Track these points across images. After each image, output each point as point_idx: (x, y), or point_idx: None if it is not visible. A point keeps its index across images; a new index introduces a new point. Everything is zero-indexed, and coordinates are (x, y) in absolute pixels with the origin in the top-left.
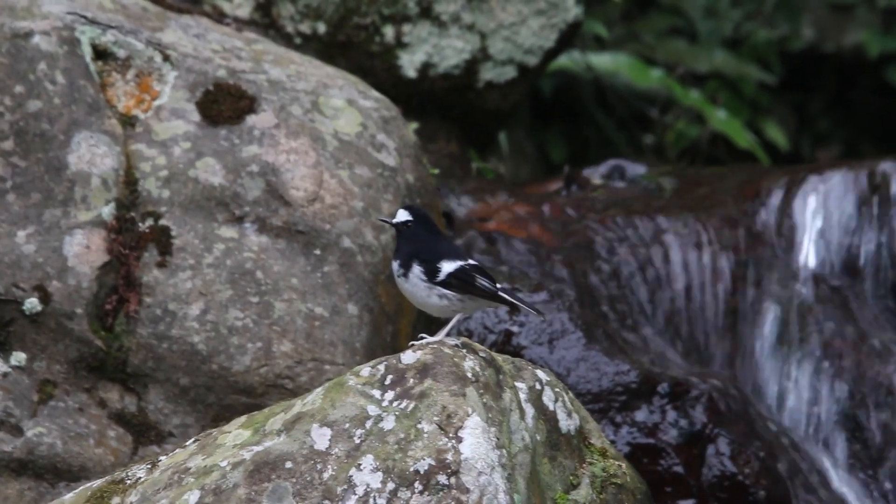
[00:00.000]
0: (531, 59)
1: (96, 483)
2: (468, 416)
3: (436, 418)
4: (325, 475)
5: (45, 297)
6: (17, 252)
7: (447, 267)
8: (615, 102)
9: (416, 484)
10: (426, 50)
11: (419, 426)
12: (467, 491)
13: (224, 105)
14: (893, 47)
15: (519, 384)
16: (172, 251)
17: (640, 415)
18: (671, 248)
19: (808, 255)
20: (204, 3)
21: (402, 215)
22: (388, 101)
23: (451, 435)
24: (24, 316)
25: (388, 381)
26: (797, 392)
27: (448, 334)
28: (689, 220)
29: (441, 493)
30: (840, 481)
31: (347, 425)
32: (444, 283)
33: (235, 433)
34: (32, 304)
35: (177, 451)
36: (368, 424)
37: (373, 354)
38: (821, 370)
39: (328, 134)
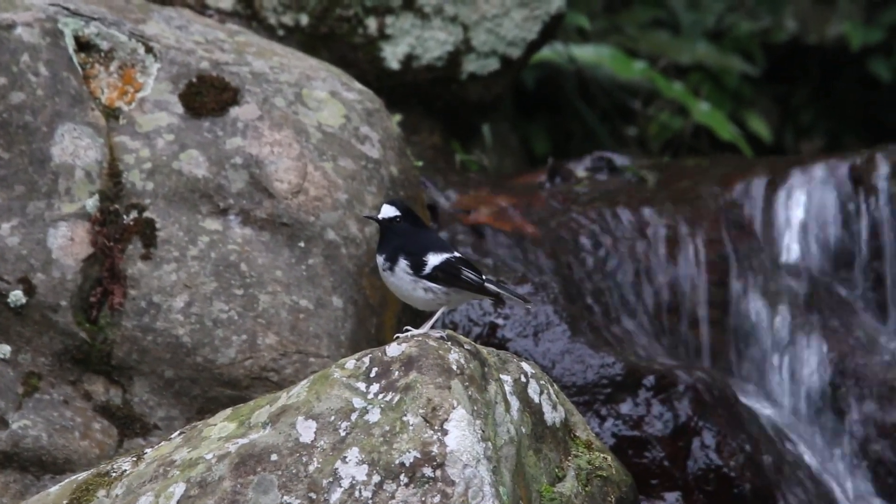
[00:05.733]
0: (514, 51)
1: (81, 476)
2: (453, 408)
3: (421, 411)
4: (311, 468)
5: (29, 290)
6: (1, 244)
7: (433, 260)
8: (598, 94)
9: (402, 476)
10: (409, 42)
11: (404, 419)
12: (453, 483)
13: (207, 97)
14: (876, 39)
15: (504, 377)
16: (157, 243)
17: (626, 407)
18: (655, 241)
19: (792, 246)
20: None
21: (389, 211)
22: (371, 94)
23: (436, 427)
24: (8, 308)
25: (373, 374)
26: (782, 384)
27: (433, 327)
28: (673, 212)
29: (426, 485)
30: (825, 473)
31: (333, 418)
32: (429, 277)
33: (220, 426)
34: (17, 296)
35: (162, 443)
36: (354, 417)
37: (357, 347)
38: (806, 362)
39: (312, 126)
